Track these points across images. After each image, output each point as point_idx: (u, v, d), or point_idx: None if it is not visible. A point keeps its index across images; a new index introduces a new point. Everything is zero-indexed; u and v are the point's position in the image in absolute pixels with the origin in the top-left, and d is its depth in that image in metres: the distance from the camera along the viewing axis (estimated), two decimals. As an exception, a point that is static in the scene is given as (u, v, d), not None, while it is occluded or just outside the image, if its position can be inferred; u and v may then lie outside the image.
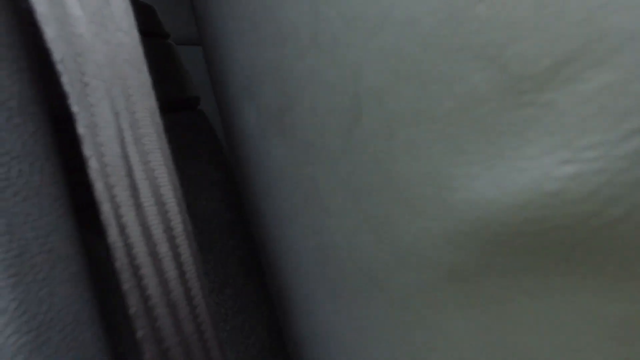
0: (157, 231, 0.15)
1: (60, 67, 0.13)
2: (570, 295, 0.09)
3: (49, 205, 0.20)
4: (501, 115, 0.09)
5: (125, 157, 0.14)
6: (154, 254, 0.15)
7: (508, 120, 0.09)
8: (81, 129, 0.15)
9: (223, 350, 0.18)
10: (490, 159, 0.09)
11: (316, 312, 0.15)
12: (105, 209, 0.13)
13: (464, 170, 0.10)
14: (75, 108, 0.14)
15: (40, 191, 0.19)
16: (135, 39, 0.15)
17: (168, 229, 0.15)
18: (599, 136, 0.08)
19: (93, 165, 0.13)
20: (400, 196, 0.11)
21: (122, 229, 0.14)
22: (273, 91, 0.14)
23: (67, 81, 0.14)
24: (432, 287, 0.11)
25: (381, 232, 0.12)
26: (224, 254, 0.39)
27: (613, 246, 0.09)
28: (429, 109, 0.10)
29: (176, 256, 0.16)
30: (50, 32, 0.13)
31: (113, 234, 0.14)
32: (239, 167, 0.18)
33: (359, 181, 0.12)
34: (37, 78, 0.21)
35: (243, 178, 0.18)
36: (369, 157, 0.12)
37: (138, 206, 0.15)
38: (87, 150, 0.14)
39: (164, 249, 0.15)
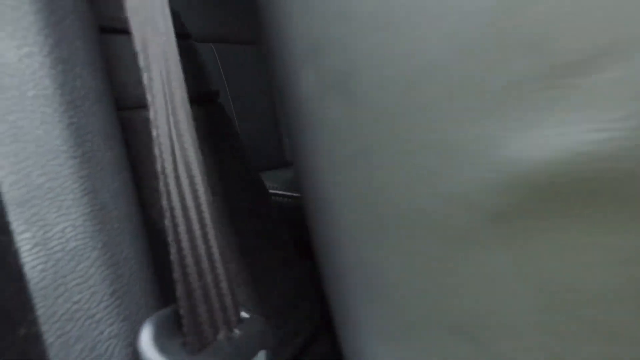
0: (189, 198, 0.20)
1: (142, 70, 0.19)
2: (591, 231, 0.13)
3: (117, 174, 0.25)
4: (543, 93, 0.12)
5: (170, 137, 0.20)
6: (186, 217, 0.20)
7: (548, 97, 0.12)
8: (151, 114, 0.21)
9: (235, 300, 0.23)
10: (532, 126, 0.13)
11: (360, 250, 0.18)
12: (161, 179, 0.19)
13: (510, 134, 0.13)
14: (148, 97, 0.20)
15: (111, 162, 0.25)
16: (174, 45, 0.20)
17: (196, 198, 0.20)
18: (611, 114, 0.12)
19: (156, 141, 0.19)
20: (455, 154, 0.14)
21: (168, 195, 0.19)
22: (337, 60, 0.16)
23: (145, 78, 0.19)
24: (479, 228, 0.14)
25: (436, 183, 0.15)
26: (241, 229, 0.45)
27: (621, 193, 0.12)
28: (483, 84, 0.13)
29: (201, 219, 0.21)
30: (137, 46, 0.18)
31: (163, 199, 0.19)
32: (293, 126, 0.19)
33: (416, 139, 0.15)
34: (105, 76, 0.27)
35: (297, 135, 0.19)
36: (427, 119, 0.14)
37: (177, 178, 0.20)
38: (153, 129, 0.20)
39: (192, 214, 0.20)
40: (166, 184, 0.22)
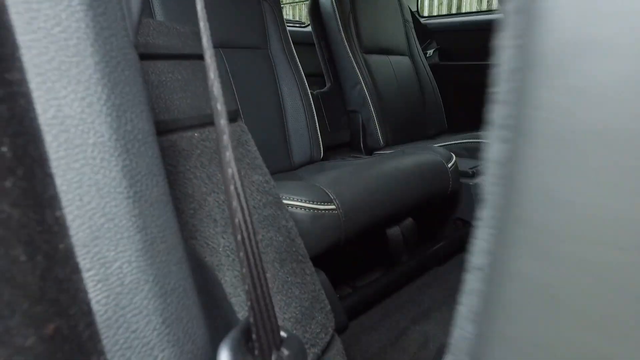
0: (249, 221, 0.23)
1: (216, 97, 0.21)
2: None
3: (163, 208, 0.28)
4: None
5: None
6: (250, 242, 0.23)
7: None
8: (224, 139, 0.23)
9: (277, 321, 0.25)
10: None
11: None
12: (235, 202, 0.21)
13: None
14: (221, 122, 0.22)
15: (158, 198, 0.27)
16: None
17: (247, 221, 0.23)
18: None
19: (228, 164, 0.21)
20: None
21: (245, 224, 0.22)
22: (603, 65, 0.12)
23: (219, 104, 0.22)
24: None
25: None
26: (263, 243, 0.47)
27: None
28: None
29: (252, 242, 0.24)
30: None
31: (238, 230, 0.22)
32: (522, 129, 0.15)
33: None
34: (150, 116, 0.29)
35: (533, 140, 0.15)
36: None
37: (240, 199, 0.23)
38: (225, 152, 0.22)
39: (252, 239, 0.24)
40: (240, 209, 0.24)
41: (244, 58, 1.35)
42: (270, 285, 0.46)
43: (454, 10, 4.77)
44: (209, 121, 0.48)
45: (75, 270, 0.22)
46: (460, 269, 1.15)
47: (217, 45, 1.30)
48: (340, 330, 0.64)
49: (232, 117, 0.52)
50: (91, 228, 0.23)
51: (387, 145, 1.74)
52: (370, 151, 1.73)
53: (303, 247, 0.53)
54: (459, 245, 1.19)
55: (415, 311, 0.92)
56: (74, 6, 0.24)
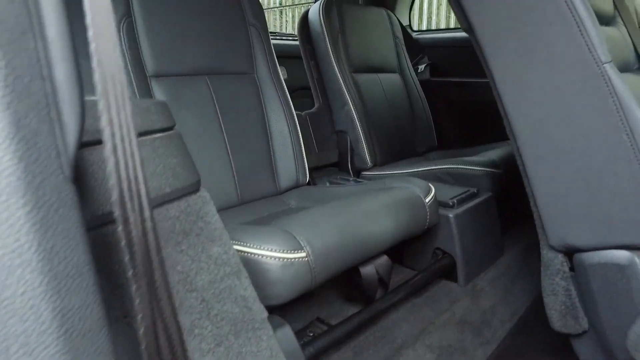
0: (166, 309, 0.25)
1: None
2: None
3: (96, 337, 0.30)
4: None
5: (145, 242, 0.25)
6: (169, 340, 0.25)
7: None
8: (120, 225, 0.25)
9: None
10: None
11: None
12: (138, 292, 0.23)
13: None
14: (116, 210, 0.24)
15: (92, 327, 0.29)
16: None
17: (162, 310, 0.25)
18: None
19: (126, 250, 0.23)
20: None
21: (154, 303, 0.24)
22: None
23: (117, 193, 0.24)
24: None
25: None
26: (218, 317, 0.49)
27: None
28: None
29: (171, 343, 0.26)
30: None
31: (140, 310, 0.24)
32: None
33: None
34: (87, 247, 0.31)
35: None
36: None
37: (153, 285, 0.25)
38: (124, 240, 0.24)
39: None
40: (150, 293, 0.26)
41: (230, 84, 1.37)
42: (225, 358, 0.48)
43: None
44: (167, 199, 0.50)
45: None
46: (437, 300, 1.17)
47: (204, 73, 1.32)
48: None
49: (194, 189, 0.54)
50: (17, 374, 0.25)
51: (375, 165, 1.75)
52: (357, 172, 1.75)
53: (261, 312, 0.55)
54: (437, 275, 1.21)
55: (388, 348, 0.94)
56: (4, 162, 0.26)
